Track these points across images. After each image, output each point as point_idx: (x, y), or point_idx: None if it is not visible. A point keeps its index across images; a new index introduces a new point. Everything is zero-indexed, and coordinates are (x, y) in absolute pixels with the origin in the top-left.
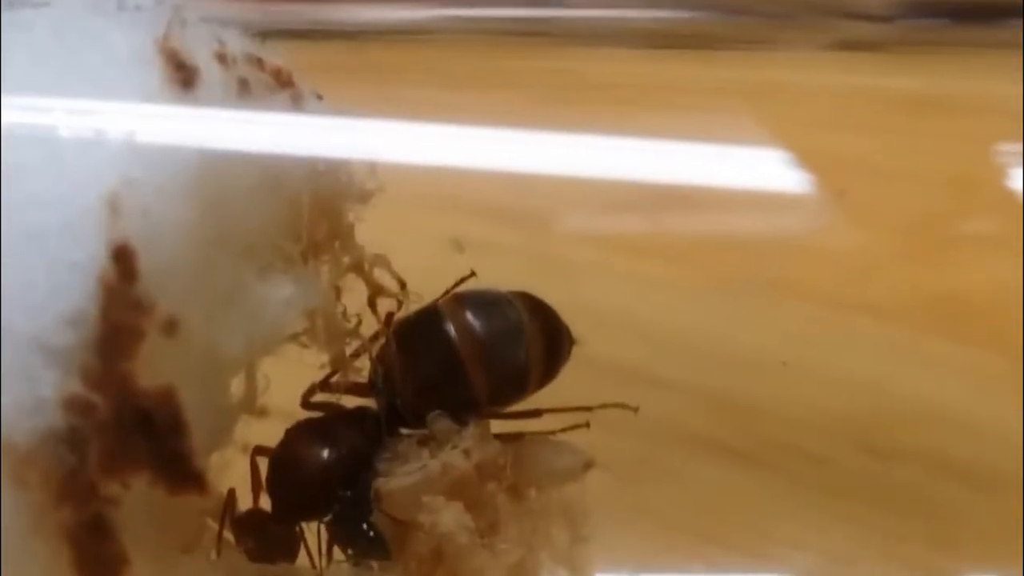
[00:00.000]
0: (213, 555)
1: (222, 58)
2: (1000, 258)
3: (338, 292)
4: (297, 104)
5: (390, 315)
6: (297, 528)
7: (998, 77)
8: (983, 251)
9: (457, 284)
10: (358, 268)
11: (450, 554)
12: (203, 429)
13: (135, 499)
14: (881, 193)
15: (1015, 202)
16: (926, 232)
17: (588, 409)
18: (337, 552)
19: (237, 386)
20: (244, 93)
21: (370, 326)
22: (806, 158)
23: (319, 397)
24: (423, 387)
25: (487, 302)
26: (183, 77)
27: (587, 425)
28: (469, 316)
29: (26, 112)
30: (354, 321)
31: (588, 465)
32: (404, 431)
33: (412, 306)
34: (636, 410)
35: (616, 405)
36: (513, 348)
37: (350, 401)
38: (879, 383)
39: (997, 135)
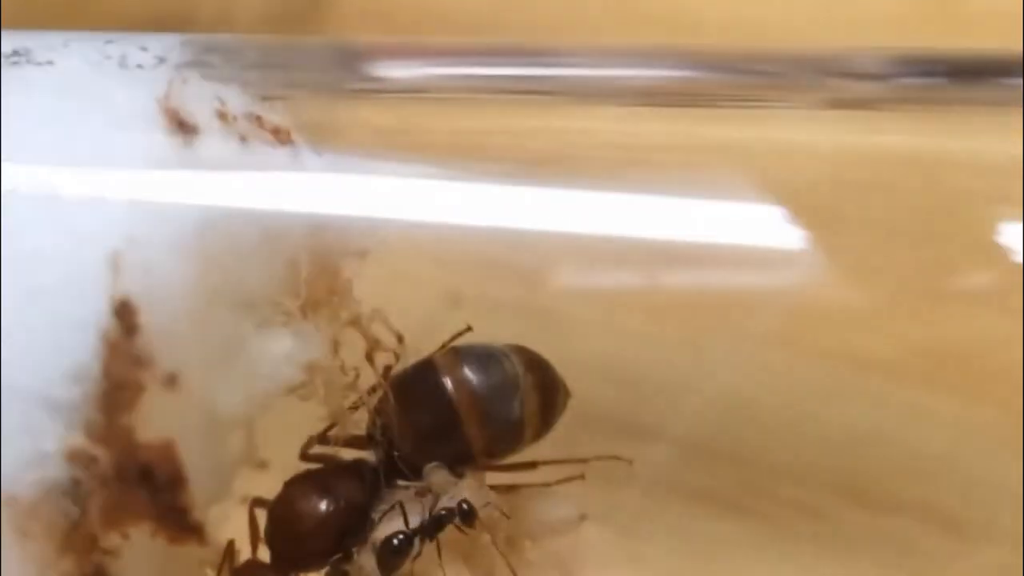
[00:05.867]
0: None
1: (223, 116)
2: (993, 313)
3: (336, 346)
4: (296, 161)
5: (388, 369)
6: None
7: (993, 136)
8: (976, 306)
9: (454, 338)
10: (356, 323)
11: None
12: (203, 482)
13: (135, 551)
14: (874, 249)
15: (1009, 258)
16: (919, 287)
17: (583, 461)
18: None
19: (237, 439)
20: (244, 150)
21: (368, 380)
22: (798, 215)
23: (317, 450)
24: (420, 439)
25: (483, 356)
26: (184, 135)
27: (582, 477)
28: (465, 370)
29: (28, 169)
30: (352, 375)
31: (583, 517)
32: (402, 483)
33: (409, 360)
34: (631, 462)
35: (611, 457)
36: (509, 401)
37: (348, 453)
38: (871, 435)
39: (993, 193)
